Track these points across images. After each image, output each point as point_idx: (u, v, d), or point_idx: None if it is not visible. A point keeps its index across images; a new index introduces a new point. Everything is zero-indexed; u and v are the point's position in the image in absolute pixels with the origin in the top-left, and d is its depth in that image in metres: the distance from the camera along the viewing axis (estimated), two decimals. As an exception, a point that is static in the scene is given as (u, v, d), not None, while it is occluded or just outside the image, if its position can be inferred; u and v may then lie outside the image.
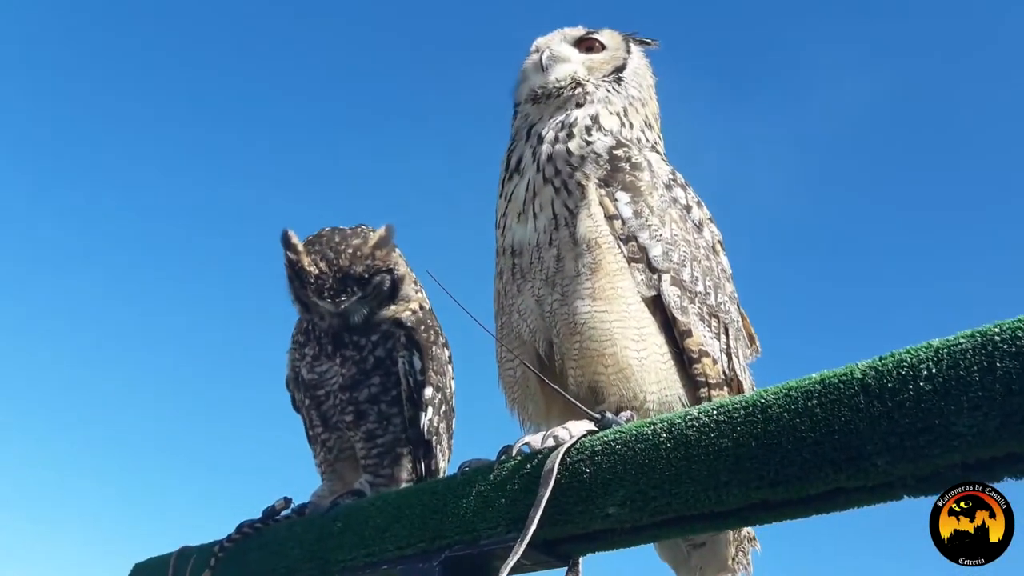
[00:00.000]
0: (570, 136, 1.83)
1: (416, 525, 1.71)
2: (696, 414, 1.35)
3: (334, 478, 2.41)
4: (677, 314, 1.71)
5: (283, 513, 2.25)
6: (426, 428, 2.31)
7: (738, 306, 1.93)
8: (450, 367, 2.49)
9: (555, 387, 1.67)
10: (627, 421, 1.59)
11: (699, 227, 1.86)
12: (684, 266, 1.76)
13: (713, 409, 1.34)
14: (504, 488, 1.56)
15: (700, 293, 1.77)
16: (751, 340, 1.96)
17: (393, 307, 2.30)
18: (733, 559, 1.81)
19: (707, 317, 1.77)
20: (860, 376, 1.18)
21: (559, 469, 1.46)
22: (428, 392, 2.32)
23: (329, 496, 2.38)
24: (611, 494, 1.40)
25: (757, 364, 1.97)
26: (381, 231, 2.26)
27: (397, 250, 2.32)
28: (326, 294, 2.16)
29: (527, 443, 1.58)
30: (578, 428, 1.54)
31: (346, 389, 2.29)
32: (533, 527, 1.36)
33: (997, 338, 1.07)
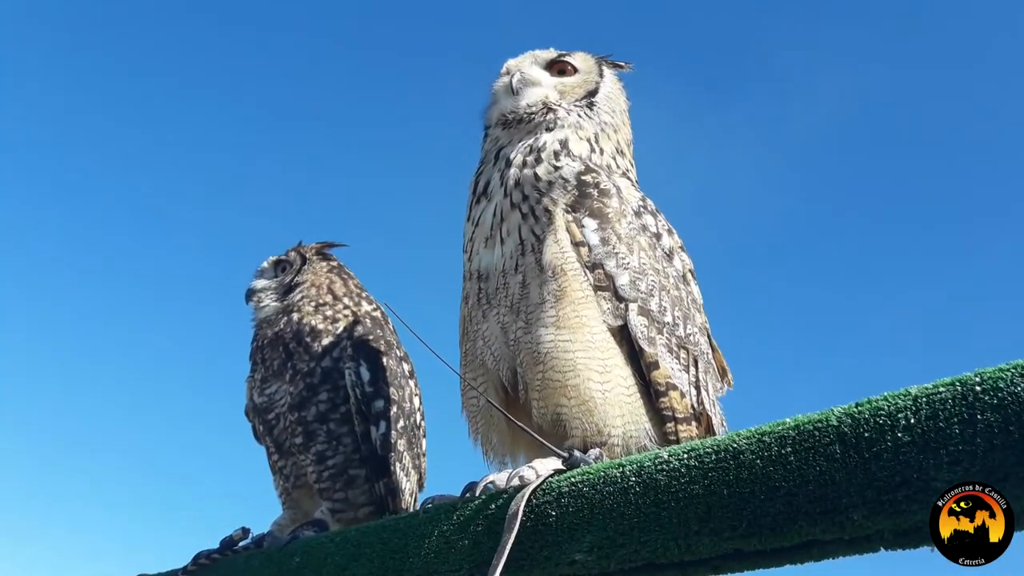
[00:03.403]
0: (538, 161, 1.78)
1: (376, 564, 1.64)
2: (666, 457, 1.30)
3: (293, 507, 2.34)
4: (644, 345, 1.66)
5: (241, 544, 2.16)
6: (379, 443, 2.23)
7: (709, 337, 1.89)
8: (412, 382, 2.43)
9: (520, 425, 1.61)
10: (596, 459, 1.53)
11: (669, 256, 1.81)
12: (652, 295, 1.71)
13: (684, 452, 1.29)
14: (467, 529, 1.50)
15: (668, 324, 1.72)
16: (723, 373, 1.91)
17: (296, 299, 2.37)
18: None
19: (675, 349, 1.72)
20: (836, 424, 1.14)
21: (524, 511, 1.41)
22: (379, 404, 2.25)
23: (289, 526, 2.30)
24: (578, 540, 1.34)
25: (729, 398, 1.93)
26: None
27: (326, 263, 2.48)
28: None
29: (492, 482, 1.52)
30: (545, 468, 1.48)
31: (294, 409, 2.23)
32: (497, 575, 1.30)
33: (978, 388, 1.04)
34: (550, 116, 1.87)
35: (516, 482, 1.47)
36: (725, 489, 1.20)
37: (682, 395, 1.70)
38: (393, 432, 2.26)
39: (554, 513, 1.39)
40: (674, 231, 1.88)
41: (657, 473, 1.29)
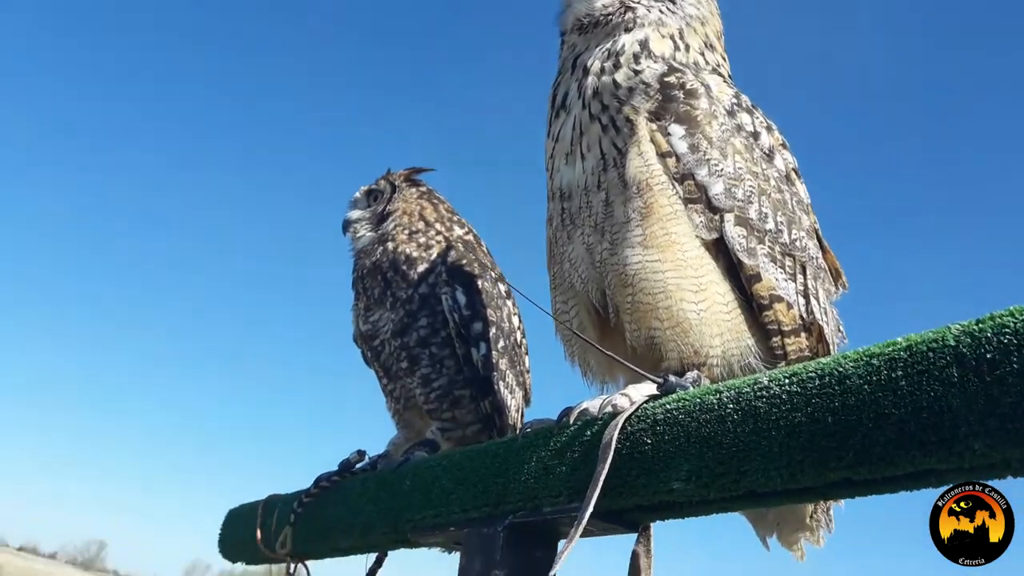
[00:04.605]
0: (617, 66, 1.65)
1: (480, 489, 1.67)
2: (766, 383, 1.22)
3: (406, 427, 2.41)
4: (743, 257, 1.55)
5: (358, 466, 2.25)
6: (481, 364, 2.25)
7: (819, 239, 1.75)
8: (510, 302, 2.42)
9: (609, 354, 1.56)
10: (693, 383, 1.47)
11: (769, 155, 1.66)
12: (751, 202, 1.58)
13: (785, 377, 1.20)
14: (564, 456, 1.48)
15: (771, 231, 1.60)
16: (836, 276, 1.77)
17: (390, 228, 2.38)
18: (811, 516, 1.69)
19: (779, 257, 1.60)
20: (953, 344, 1.02)
21: (619, 439, 1.37)
22: (477, 326, 2.26)
23: (403, 445, 2.38)
24: (675, 468, 1.30)
25: (846, 301, 1.80)
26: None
27: (415, 190, 2.46)
28: None
29: (586, 409, 1.48)
30: (638, 394, 1.43)
31: (397, 335, 2.27)
32: (591, 508, 1.28)
33: (1123, 301, 0.90)
34: (628, 15, 1.72)
35: (609, 410, 1.43)
36: (830, 416, 1.12)
37: (789, 306, 1.59)
38: (494, 353, 2.26)
39: (649, 441, 1.35)
40: (774, 127, 1.72)
41: (756, 400, 1.22)
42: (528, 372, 2.46)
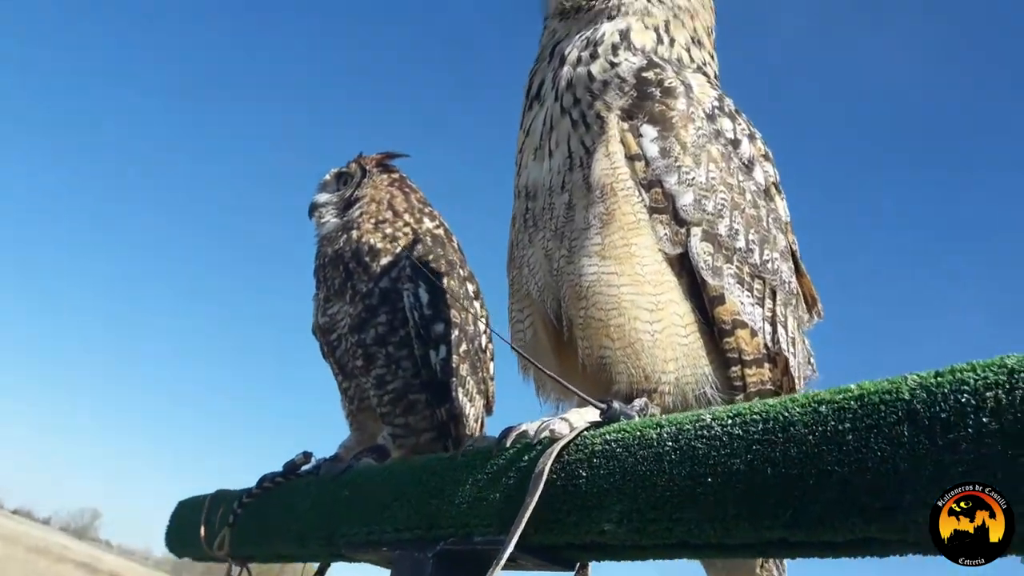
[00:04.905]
0: (594, 56, 1.53)
1: (414, 507, 1.56)
2: (708, 421, 1.11)
3: (359, 429, 2.30)
4: (707, 276, 1.43)
5: (304, 468, 2.15)
6: (439, 368, 2.13)
7: (796, 261, 1.63)
8: (477, 303, 2.30)
9: (548, 373, 1.45)
10: (640, 411, 1.36)
11: (748, 167, 1.54)
12: (721, 217, 1.47)
13: (728, 417, 1.09)
14: (499, 482, 1.37)
15: (740, 250, 1.48)
16: (811, 303, 1.65)
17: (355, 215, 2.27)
18: (762, 566, 1.58)
19: (747, 279, 1.48)
20: (908, 398, 0.90)
21: (554, 468, 1.26)
22: (439, 328, 2.14)
23: (355, 448, 2.27)
24: (607, 508, 1.18)
25: (822, 330, 1.68)
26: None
27: (387, 176, 2.35)
28: None
29: (524, 431, 1.37)
30: (579, 420, 1.32)
31: (354, 331, 2.15)
32: (511, 546, 1.17)
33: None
34: (612, 2, 1.60)
35: (546, 435, 1.32)
36: (769, 468, 1.00)
37: (752, 333, 1.48)
38: (455, 356, 2.15)
39: (584, 474, 1.24)
40: (757, 136, 1.60)
41: (696, 440, 1.10)
42: (492, 379, 2.34)
